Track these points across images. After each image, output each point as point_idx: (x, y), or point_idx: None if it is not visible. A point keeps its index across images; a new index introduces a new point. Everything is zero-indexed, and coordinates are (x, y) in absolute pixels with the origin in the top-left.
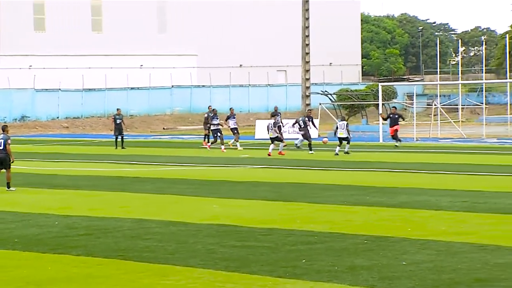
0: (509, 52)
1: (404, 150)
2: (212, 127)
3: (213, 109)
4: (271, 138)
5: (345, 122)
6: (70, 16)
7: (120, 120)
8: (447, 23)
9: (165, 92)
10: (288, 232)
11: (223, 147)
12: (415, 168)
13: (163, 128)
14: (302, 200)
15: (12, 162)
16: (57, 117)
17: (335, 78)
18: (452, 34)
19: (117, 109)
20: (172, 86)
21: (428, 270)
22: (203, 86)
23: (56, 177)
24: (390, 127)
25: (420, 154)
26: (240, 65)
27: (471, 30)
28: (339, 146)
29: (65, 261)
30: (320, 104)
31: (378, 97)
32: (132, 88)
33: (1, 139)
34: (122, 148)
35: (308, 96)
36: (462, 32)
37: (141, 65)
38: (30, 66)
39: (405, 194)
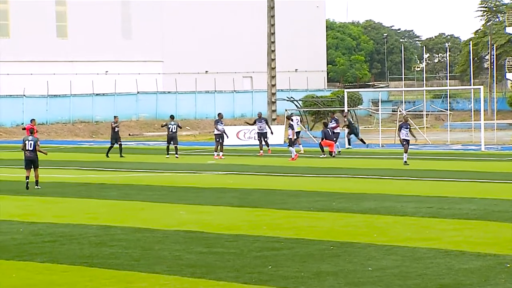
0: (473, 59)
1: (369, 156)
2: (216, 132)
3: (219, 113)
4: (290, 140)
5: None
6: (35, 22)
7: (118, 128)
8: (412, 30)
9: (131, 98)
10: (254, 238)
11: (219, 154)
12: (381, 174)
13: (129, 135)
14: (268, 206)
15: (46, 154)
16: (22, 123)
17: (301, 84)
18: (417, 40)
19: (115, 117)
20: (138, 92)
21: (394, 276)
22: (169, 92)
23: (19, 184)
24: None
25: (385, 160)
26: (206, 71)
27: (435, 37)
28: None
29: (29, 268)
30: (286, 110)
31: (344, 103)
32: (97, 94)
33: (31, 140)
34: (121, 156)
35: (274, 103)
36: (427, 39)
37: (107, 71)
38: None
39: (371, 200)
